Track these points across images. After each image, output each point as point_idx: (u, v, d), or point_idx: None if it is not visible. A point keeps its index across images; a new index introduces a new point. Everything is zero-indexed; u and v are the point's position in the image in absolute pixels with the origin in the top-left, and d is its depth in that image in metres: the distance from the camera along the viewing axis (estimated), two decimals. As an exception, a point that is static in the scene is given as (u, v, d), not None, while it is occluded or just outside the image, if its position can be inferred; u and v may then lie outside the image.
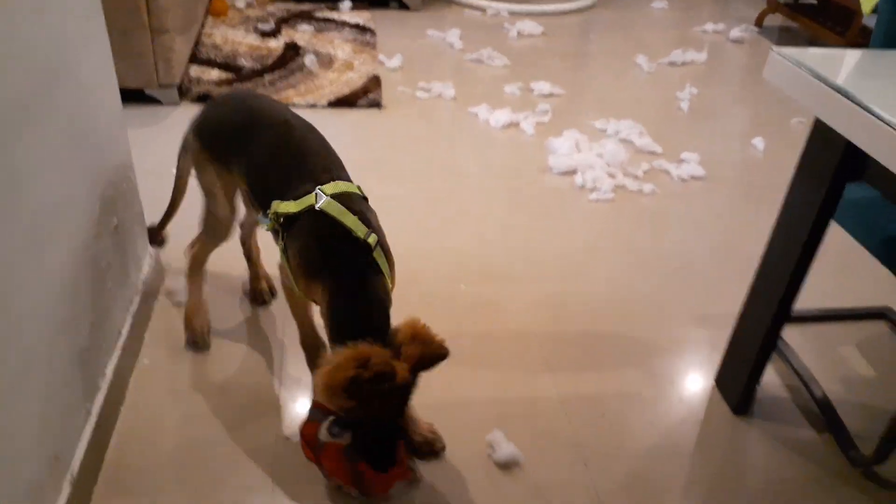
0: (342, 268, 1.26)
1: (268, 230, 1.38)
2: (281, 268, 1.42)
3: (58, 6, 1.23)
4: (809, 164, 1.41)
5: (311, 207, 1.28)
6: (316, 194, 1.29)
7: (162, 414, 1.52)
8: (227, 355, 1.68)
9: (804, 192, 1.42)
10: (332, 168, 1.39)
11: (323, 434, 1.31)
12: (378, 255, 1.28)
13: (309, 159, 1.38)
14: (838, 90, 1.19)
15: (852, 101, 1.16)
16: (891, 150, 1.09)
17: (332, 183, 1.32)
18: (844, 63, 1.34)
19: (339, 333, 1.22)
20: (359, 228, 1.26)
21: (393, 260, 1.35)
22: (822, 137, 1.35)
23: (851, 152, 1.28)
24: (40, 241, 1.14)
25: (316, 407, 1.35)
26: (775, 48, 1.34)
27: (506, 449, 1.49)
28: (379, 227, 1.36)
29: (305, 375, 1.61)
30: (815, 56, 1.32)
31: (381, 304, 1.27)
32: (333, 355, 1.17)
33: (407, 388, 1.22)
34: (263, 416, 1.53)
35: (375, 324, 1.24)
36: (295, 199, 1.30)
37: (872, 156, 1.13)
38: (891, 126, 1.08)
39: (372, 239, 1.27)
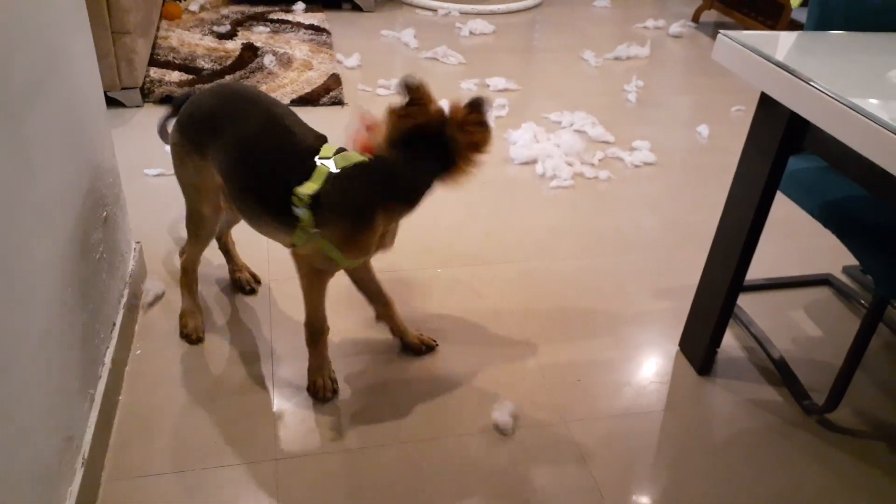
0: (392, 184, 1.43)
1: (305, 222, 1.40)
2: (300, 256, 1.47)
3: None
4: (756, 138, 1.54)
5: (330, 175, 1.38)
6: (323, 163, 1.40)
7: (157, 401, 1.56)
8: (216, 345, 1.73)
9: (752, 165, 1.55)
10: (315, 135, 1.49)
11: None
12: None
13: (295, 137, 1.45)
14: (781, 66, 1.33)
15: (794, 75, 1.30)
16: (829, 117, 1.23)
17: (325, 146, 1.44)
18: (783, 44, 1.48)
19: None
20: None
21: None
22: (767, 112, 1.49)
23: (793, 125, 1.43)
24: (43, 229, 1.18)
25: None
26: (723, 32, 1.47)
27: (494, 415, 1.58)
28: None
29: (295, 358, 1.67)
30: (757, 37, 1.46)
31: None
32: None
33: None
34: (256, 400, 1.59)
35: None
36: (304, 179, 1.38)
37: (814, 123, 1.27)
38: (829, 95, 1.22)
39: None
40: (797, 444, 1.62)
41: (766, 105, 1.48)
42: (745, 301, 2.03)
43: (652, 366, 1.80)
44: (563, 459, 1.52)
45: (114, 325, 1.57)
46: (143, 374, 1.62)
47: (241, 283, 1.88)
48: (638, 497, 1.47)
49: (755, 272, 2.08)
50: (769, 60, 1.36)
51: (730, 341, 1.90)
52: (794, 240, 2.34)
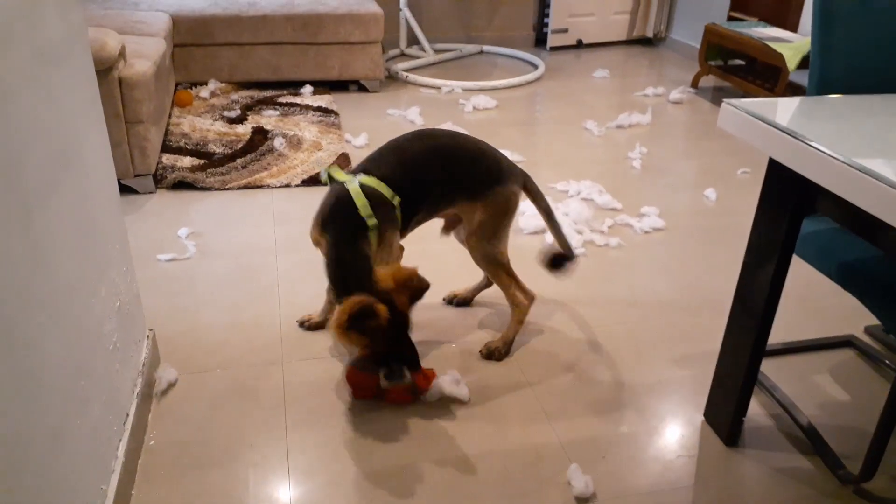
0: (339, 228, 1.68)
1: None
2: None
3: (65, 92, 1.30)
4: (768, 202, 1.54)
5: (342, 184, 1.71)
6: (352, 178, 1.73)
7: (171, 495, 1.52)
8: (228, 434, 1.69)
9: (766, 230, 1.54)
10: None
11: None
12: (373, 237, 1.69)
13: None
14: (787, 132, 1.34)
15: (800, 140, 1.30)
16: (838, 180, 1.22)
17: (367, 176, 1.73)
18: (786, 109, 1.50)
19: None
20: (365, 210, 1.66)
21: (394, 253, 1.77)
22: (776, 176, 1.49)
23: (804, 188, 1.42)
24: (56, 322, 1.17)
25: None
26: (727, 101, 1.49)
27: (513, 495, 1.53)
28: (390, 223, 1.73)
29: (313, 445, 1.63)
30: (760, 104, 1.47)
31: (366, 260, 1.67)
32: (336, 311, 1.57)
33: (401, 319, 1.61)
34: (273, 488, 1.55)
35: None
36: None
37: (823, 186, 1.26)
38: (835, 158, 1.22)
39: (371, 222, 1.67)
40: (835, 516, 1.55)
41: (776, 170, 1.48)
42: (767, 366, 1.98)
43: (677, 438, 1.75)
44: (591, 542, 1.46)
45: (127, 415, 1.54)
46: (156, 465, 1.59)
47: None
48: (673, 581, 1.40)
49: (775, 337, 2.04)
50: (775, 127, 1.37)
51: (755, 409, 1.85)
52: (812, 302, 2.31)
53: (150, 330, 1.83)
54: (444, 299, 2.23)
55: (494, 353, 1.99)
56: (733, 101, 1.49)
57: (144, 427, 1.66)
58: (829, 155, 1.24)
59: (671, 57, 5.35)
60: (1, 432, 0.95)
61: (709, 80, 4.64)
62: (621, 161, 3.40)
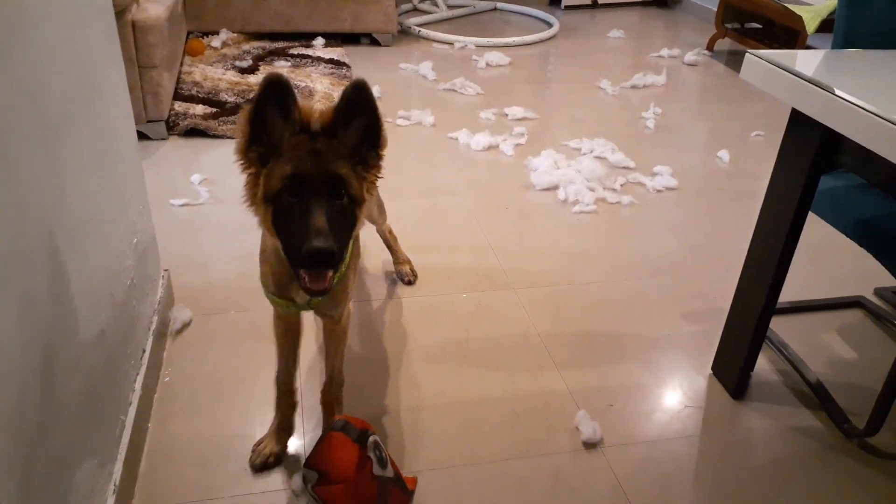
0: None
1: None
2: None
3: (83, 26, 1.29)
4: (788, 157, 1.53)
5: None
6: None
7: (186, 429, 1.55)
8: (246, 373, 1.71)
9: (784, 185, 1.54)
10: None
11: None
12: None
13: None
14: (813, 82, 1.32)
15: (827, 90, 1.29)
16: (865, 130, 1.21)
17: None
18: (810, 61, 1.48)
19: None
20: None
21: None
22: (798, 130, 1.48)
23: (826, 141, 1.41)
24: (78, 253, 1.18)
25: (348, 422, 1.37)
26: (750, 51, 1.47)
27: (527, 439, 1.55)
28: None
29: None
30: (785, 55, 1.45)
31: None
32: None
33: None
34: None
35: None
36: None
37: (850, 137, 1.25)
38: (864, 109, 1.20)
39: None
40: (838, 468, 1.57)
41: (797, 123, 1.47)
42: (777, 324, 1.99)
43: (685, 390, 1.77)
44: (598, 485, 1.49)
45: (143, 351, 1.56)
46: (171, 400, 1.61)
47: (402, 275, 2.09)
48: (678, 523, 1.43)
49: (786, 295, 2.05)
50: (800, 76, 1.35)
51: (763, 365, 1.86)
52: (823, 263, 2.31)
53: (165, 270, 1.85)
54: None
55: (409, 275, 2.09)
56: (757, 51, 1.47)
57: (160, 364, 1.68)
58: (856, 105, 1.22)
59: (687, 19, 5.27)
60: (27, 358, 0.96)
61: (725, 44, 4.57)
62: (635, 121, 3.37)
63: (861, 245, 1.57)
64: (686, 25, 5.10)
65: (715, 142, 3.19)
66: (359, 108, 1.14)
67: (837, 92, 1.27)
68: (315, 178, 1.09)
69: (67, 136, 1.16)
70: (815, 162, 1.45)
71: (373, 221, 1.93)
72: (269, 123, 1.12)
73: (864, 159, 1.34)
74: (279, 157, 1.12)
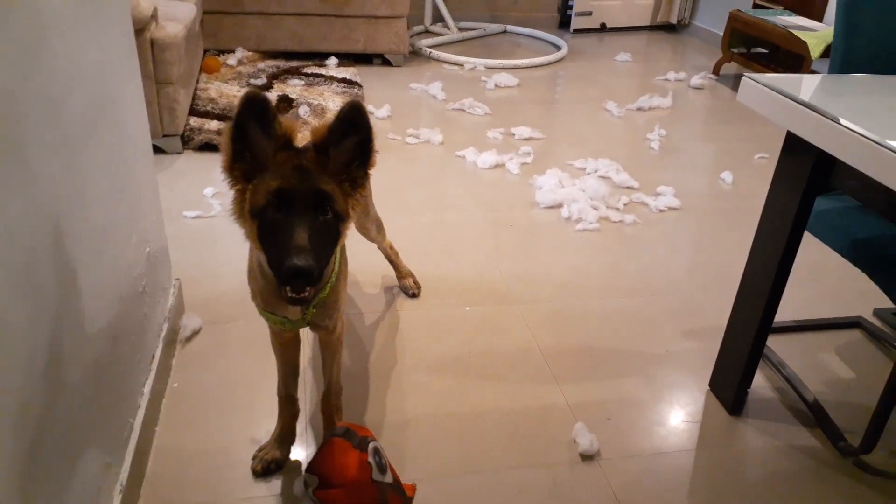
0: None
1: None
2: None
3: (102, 42, 1.35)
4: (783, 178, 1.57)
5: None
6: None
7: (193, 434, 1.59)
8: (253, 380, 1.76)
9: (780, 205, 1.57)
10: None
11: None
12: None
13: None
14: (807, 105, 1.36)
15: (820, 113, 1.33)
16: (858, 154, 1.25)
17: None
18: (808, 85, 1.52)
19: None
20: None
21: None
22: (793, 152, 1.52)
23: (820, 164, 1.45)
24: (93, 259, 1.24)
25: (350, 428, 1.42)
26: (747, 74, 1.52)
27: (528, 454, 1.58)
28: None
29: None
30: (782, 79, 1.50)
31: None
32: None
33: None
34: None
35: None
36: None
37: (842, 160, 1.29)
38: (856, 133, 1.24)
39: None
40: (833, 486, 1.59)
41: (792, 145, 1.51)
42: (775, 342, 2.02)
43: (682, 405, 1.80)
44: (595, 497, 1.51)
45: (153, 357, 1.61)
46: (179, 406, 1.66)
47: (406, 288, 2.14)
48: (672, 535, 1.45)
49: (785, 314, 2.08)
50: (795, 100, 1.40)
51: (761, 382, 1.89)
52: (824, 283, 2.34)
53: (177, 279, 1.90)
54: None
55: (412, 288, 2.14)
56: (754, 75, 1.52)
57: (169, 370, 1.73)
58: (850, 129, 1.26)
59: (694, 43, 5.33)
60: (45, 360, 1.01)
61: (731, 68, 4.63)
62: (640, 142, 3.42)
63: (856, 265, 1.60)
64: (693, 49, 5.17)
65: (718, 163, 3.24)
66: (354, 127, 1.17)
67: (831, 116, 1.31)
68: (300, 194, 1.12)
69: (85, 148, 1.21)
70: (809, 184, 1.49)
71: (371, 240, 1.97)
72: (252, 140, 1.14)
73: (858, 182, 1.38)
74: (264, 173, 1.14)
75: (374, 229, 1.93)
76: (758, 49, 4.53)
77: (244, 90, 1.14)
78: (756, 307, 1.66)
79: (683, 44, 5.33)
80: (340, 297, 1.42)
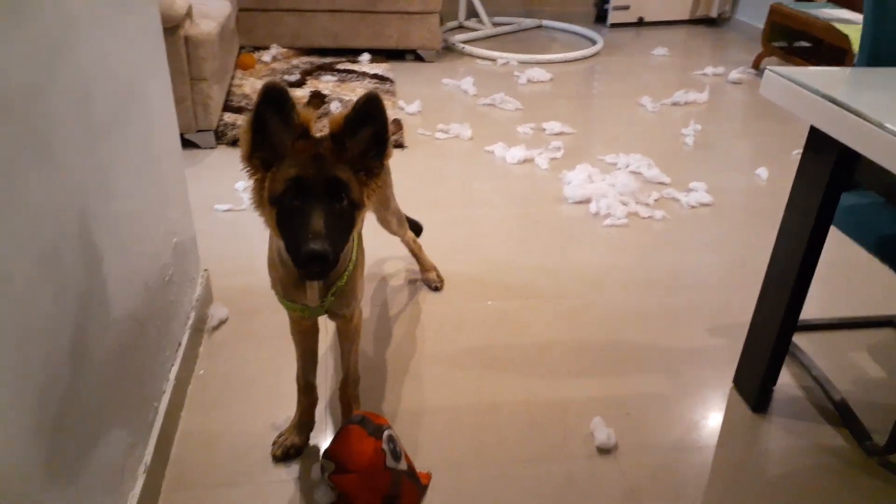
0: None
1: None
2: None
3: (131, 37, 1.40)
4: (806, 173, 1.54)
5: None
6: None
7: (217, 419, 1.64)
8: (277, 368, 1.80)
9: (803, 200, 1.55)
10: None
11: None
12: None
13: None
14: (829, 98, 1.34)
15: (842, 107, 1.30)
16: (880, 148, 1.22)
17: None
18: (834, 78, 1.49)
19: None
20: None
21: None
22: (816, 146, 1.49)
23: (843, 158, 1.42)
24: (120, 245, 1.28)
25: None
26: (770, 68, 1.50)
27: (539, 446, 1.59)
28: None
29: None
30: (806, 73, 1.47)
31: None
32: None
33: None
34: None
35: None
36: None
37: (864, 154, 1.26)
38: (879, 126, 1.21)
39: None
40: (856, 485, 1.56)
41: (815, 139, 1.49)
42: (805, 340, 1.98)
43: (705, 402, 1.78)
44: (610, 490, 1.51)
45: (179, 344, 1.66)
46: (204, 392, 1.71)
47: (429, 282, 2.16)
48: (686, 531, 1.44)
49: (816, 312, 2.04)
50: (817, 94, 1.37)
51: (788, 381, 1.86)
52: (857, 282, 2.28)
53: (205, 270, 1.95)
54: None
55: (435, 281, 2.16)
56: (777, 67, 1.50)
57: (195, 358, 1.78)
58: (871, 122, 1.23)
59: (734, 38, 5.23)
60: (69, 340, 1.06)
61: (771, 62, 4.53)
62: (674, 137, 3.38)
63: (882, 261, 1.57)
64: (733, 43, 5.07)
65: (754, 160, 3.18)
66: (370, 118, 1.20)
67: (853, 109, 1.28)
68: (316, 182, 1.15)
69: (111, 140, 1.26)
70: (832, 179, 1.46)
71: (393, 233, 2.00)
72: (271, 130, 1.17)
73: (882, 178, 1.35)
74: (283, 162, 1.17)
75: (395, 222, 1.95)
76: (800, 43, 4.42)
77: (264, 83, 1.17)
78: (780, 303, 1.64)
79: (723, 38, 5.24)
80: (357, 286, 1.44)
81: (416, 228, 2.17)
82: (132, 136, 1.38)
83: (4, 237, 0.88)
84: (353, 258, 1.37)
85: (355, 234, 1.34)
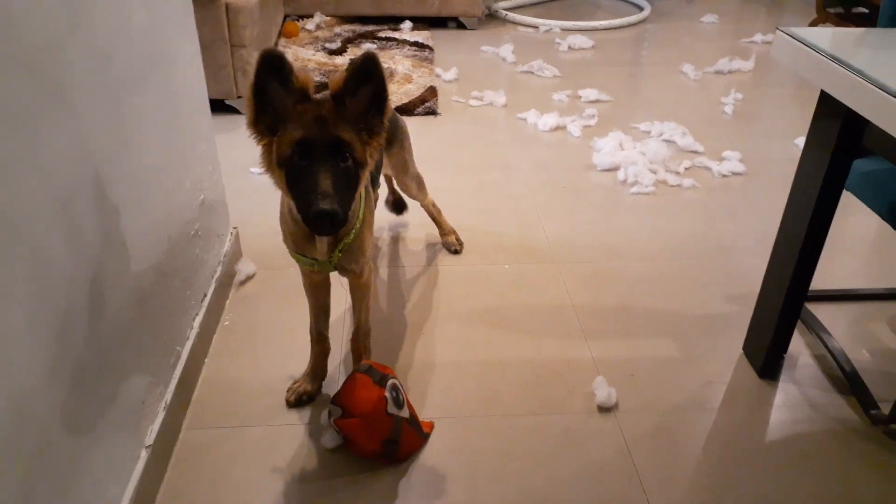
0: None
1: None
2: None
3: (153, 3, 1.48)
4: (815, 137, 1.52)
5: None
6: None
7: (239, 365, 1.74)
8: (299, 322, 1.89)
9: (812, 166, 1.53)
10: None
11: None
12: None
13: None
14: (835, 60, 1.32)
15: (849, 69, 1.28)
16: (885, 112, 1.19)
17: None
18: (850, 40, 1.46)
19: None
20: None
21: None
22: (825, 110, 1.48)
23: (850, 122, 1.40)
24: (141, 197, 1.38)
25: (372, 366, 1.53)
26: (780, 27, 1.48)
27: (541, 400, 1.65)
28: None
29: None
30: (819, 34, 1.45)
31: None
32: None
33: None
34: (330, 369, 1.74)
35: None
36: None
37: (869, 119, 1.24)
38: (884, 91, 1.18)
39: None
40: (858, 452, 1.57)
41: (825, 103, 1.47)
42: (823, 310, 1.97)
43: (711, 366, 1.80)
44: (606, 446, 1.56)
45: (205, 295, 1.77)
46: (228, 341, 1.82)
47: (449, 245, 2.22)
48: (677, 488, 1.48)
49: (838, 282, 2.02)
50: (824, 55, 1.36)
51: (801, 349, 1.86)
52: (883, 253, 2.24)
53: (235, 228, 2.05)
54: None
55: (455, 245, 2.21)
56: (788, 28, 1.48)
57: (221, 309, 1.89)
58: (877, 85, 1.20)
59: (790, 4, 5.06)
60: (87, 284, 1.16)
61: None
62: (713, 106, 3.33)
63: (892, 226, 1.55)
64: (788, 10, 4.91)
65: (794, 129, 3.10)
66: (368, 78, 1.25)
67: (858, 70, 1.26)
68: (320, 142, 1.21)
69: (133, 97, 1.35)
70: (839, 144, 1.45)
71: (413, 197, 2.06)
72: (273, 95, 1.22)
73: (891, 143, 1.33)
74: (287, 125, 1.23)
75: (414, 186, 2.01)
76: (859, 9, 4.25)
77: (261, 49, 1.23)
78: (787, 270, 1.64)
79: (779, 5, 5.07)
80: (366, 242, 1.51)
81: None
82: (157, 94, 1.47)
83: (22, 179, 0.98)
84: (361, 216, 1.44)
85: (361, 191, 1.41)
